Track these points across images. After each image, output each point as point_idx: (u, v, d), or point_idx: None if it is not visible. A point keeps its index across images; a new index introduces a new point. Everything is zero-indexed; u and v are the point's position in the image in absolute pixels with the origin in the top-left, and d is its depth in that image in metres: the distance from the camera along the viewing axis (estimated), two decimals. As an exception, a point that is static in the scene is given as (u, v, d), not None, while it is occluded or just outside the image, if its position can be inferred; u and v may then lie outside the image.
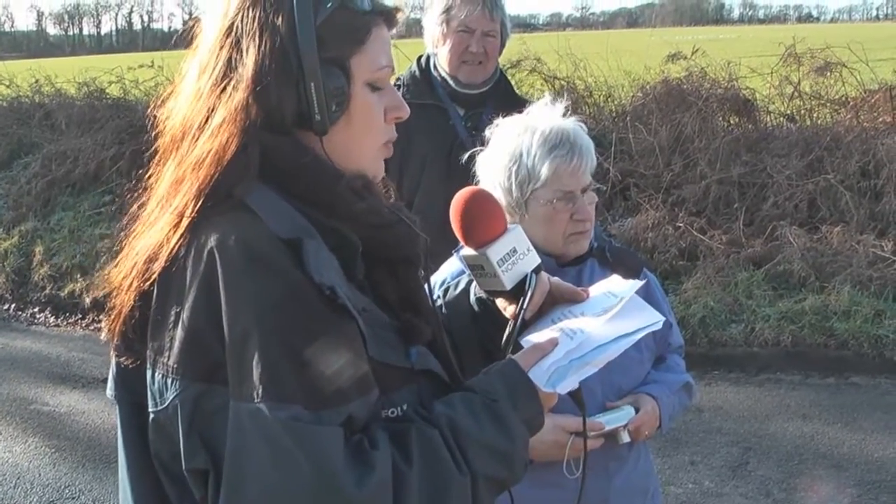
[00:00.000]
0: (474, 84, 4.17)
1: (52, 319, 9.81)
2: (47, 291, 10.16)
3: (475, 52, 4.10)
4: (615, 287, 1.95)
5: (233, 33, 1.63)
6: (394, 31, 1.76)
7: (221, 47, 1.64)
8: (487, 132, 2.70)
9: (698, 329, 7.80)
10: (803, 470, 5.81)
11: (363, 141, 1.73)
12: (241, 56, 1.61)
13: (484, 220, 1.88)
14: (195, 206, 1.58)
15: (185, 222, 1.58)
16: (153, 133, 1.73)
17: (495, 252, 1.85)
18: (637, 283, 1.95)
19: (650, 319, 1.83)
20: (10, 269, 10.70)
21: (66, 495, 5.87)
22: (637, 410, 2.66)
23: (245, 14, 1.63)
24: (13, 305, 10.27)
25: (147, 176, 1.73)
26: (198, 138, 1.62)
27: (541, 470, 2.50)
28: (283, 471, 1.42)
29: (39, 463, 6.32)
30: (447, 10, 4.11)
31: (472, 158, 2.71)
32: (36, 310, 10.06)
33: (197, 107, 1.64)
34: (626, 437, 2.63)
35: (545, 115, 2.64)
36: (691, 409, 6.56)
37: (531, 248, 1.90)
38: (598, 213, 9.27)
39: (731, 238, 8.84)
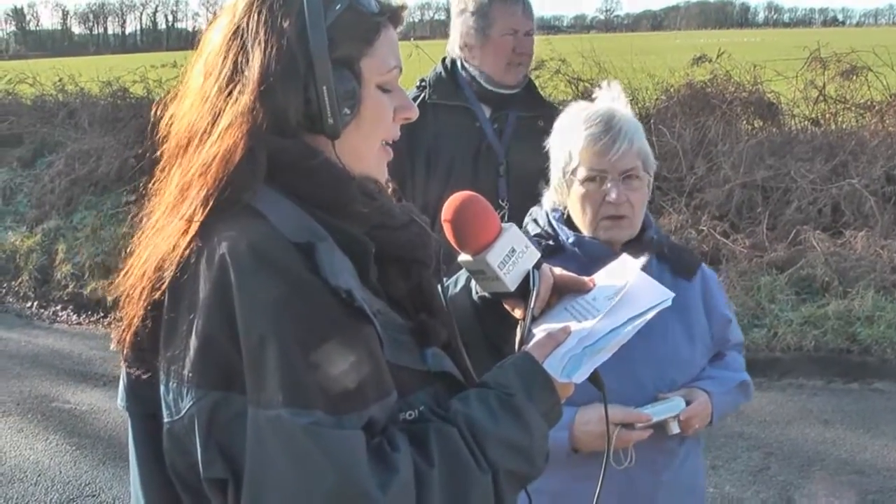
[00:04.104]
0: (515, 84, 4.18)
1: (74, 318, 9.85)
2: (70, 290, 10.20)
3: (521, 52, 4.12)
4: (625, 269, 1.92)
5: (239, 36, 1.62)
6: (399, 28, 1.74)
7: (228, 50, 1.62)
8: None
9: (720, 333, 7.73)
10: (825, 475, 5.77)
11: (371, 143, 1.71)
12: (248, 59, 1.59)
13: (477, 226, 1.83)
14: (203, 211, 1.56)
15: (193, 228, 1.56)
16: (158, 139, 1.71)
17: (494, 256, 1.80)
18: (641, 261, 1.93)
19: (660, 297, 1.81)
20: (32, 268, 10.74)
21: (86, 493, 5.88)
22: (688, 403, 2.63)
23: (252, 16, 1.61)
24: (36, 304, 10.30)
25: (152, 182, 1.71)
26: (204, 143, 1.59)
27: (584, 463, 2.49)
28: (306, 477, 1.41)
29: (60, 460, 6.33)
30: (485, 15, 4.10)
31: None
32: (58, 308, 10.09)
33: (203, 111, 1.62)
34: (675, 429, 2.59)
35: (606, 100, 2.70)
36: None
37: (529, 244, 1.85)
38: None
39: (754, 242, 8.81)
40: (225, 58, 1.62)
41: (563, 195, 2.69)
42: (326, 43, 1.59)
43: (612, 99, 2.71)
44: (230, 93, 1.60)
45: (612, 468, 2.50)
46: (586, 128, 2.60)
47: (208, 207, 1.56)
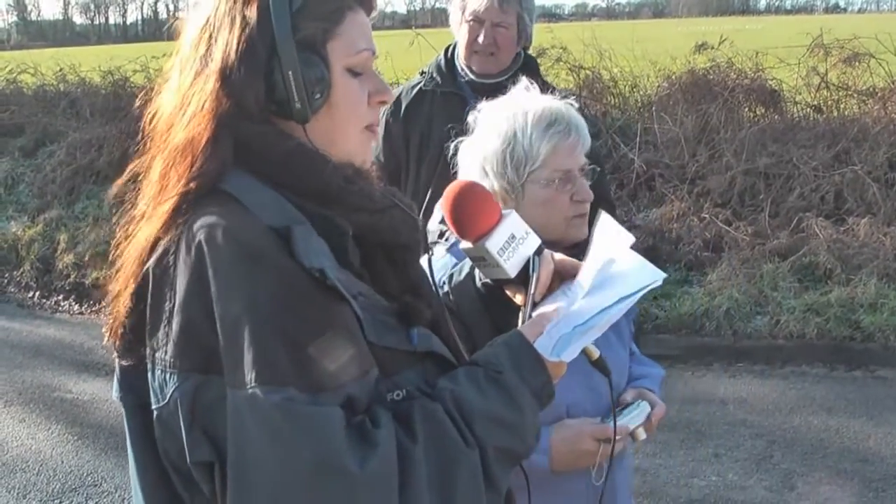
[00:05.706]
0: (489, 75, 4.15)
1: (75, 307, 9.86)
2: (71, 279, 10.19)
3: (483, 42, 4.08)
4: (612, 238, 1.93)
5: (209, 26, 1.65)
6: (373, 15, 1.76)
7: (199, 41, 1.66)
8: (470, 118, 2.63)
9: (723, 321, 7.76)
10: (828, 463, 5.77)
11: (346, 127, 1.72)
12: (213, 47, 1.63)
13: (477, 213, 1.85)
14: (180, 200, 1.59)
15: (172, 218, 1.59)
16: (142, 135, 1.75)
17: (494, 243, 1.83)
18: (629, 239, 1.92)
19: (650, 278, 1.81)
20: (34, 257, 10.73)
21: (88, 482, 5.89)
22: (652, 406, 2.58)
23: (220, 5, 1.65)
24: (37, 293, 10.31)
25: (139, 176, 1.75)
26: (177, 131, 1.63)
27: (554, 479, 2.44)
28: (283, 454, 1.41)
29: (62, 450, 6.35)
30: (463, 0, 4.12)
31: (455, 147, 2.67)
32: (60, 297, 10.10)
33: (177, 101, 1.66)
34: (643, 435, 2.54)
35: (533, 97, 2.56)
36: (716, 401, 6.58)
37: (529, 230, 1.87)
38: (623, 204, 9.33)
39: (756, 229, 8.80)
40: (196, 48, 1.66)
41: (511, 202, 2.49)
42: (291, 28, 1.62)
43: (534, 92, 2.57)
44: (199, 81, 1.63)
45: (577, 484, 2.46)
46: (547, 126, 2.47)
47: (185, 196, 1.59)
